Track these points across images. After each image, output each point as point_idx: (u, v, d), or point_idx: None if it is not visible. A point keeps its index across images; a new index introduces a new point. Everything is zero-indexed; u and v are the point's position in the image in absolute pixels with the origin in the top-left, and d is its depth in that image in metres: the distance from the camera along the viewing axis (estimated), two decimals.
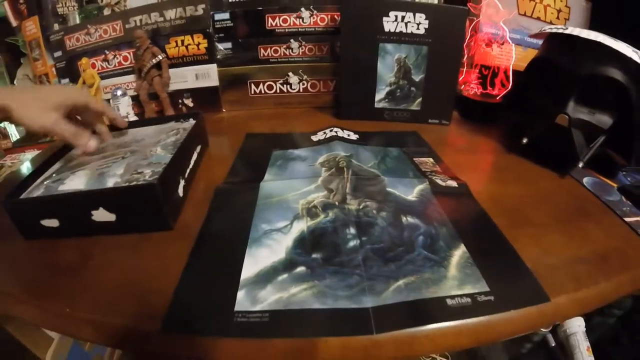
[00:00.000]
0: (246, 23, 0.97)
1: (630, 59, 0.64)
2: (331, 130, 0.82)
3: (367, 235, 0.52)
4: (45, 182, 0.57)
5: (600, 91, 0.68)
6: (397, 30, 0.87)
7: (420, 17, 0.85)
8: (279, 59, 0.99)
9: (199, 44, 0.96)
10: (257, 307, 0.40)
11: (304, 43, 0.98)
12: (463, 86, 1.01)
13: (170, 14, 0.95)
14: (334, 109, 1.00)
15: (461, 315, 0.41)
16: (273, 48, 0.98)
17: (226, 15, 0.95)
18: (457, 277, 0.46)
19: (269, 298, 0.41)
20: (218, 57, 0.98)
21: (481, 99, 0.97)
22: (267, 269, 0.46)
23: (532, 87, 0.79)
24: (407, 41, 0.88)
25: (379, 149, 0.77)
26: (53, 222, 0.51)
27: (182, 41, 0.96)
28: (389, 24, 0.86)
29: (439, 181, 0.65)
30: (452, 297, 0.43)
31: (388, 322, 0.40)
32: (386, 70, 0.91)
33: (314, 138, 0.81)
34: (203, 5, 0.94)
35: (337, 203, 0.58)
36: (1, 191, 0.62)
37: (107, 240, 0.52)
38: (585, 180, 0.71)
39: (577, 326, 0.94)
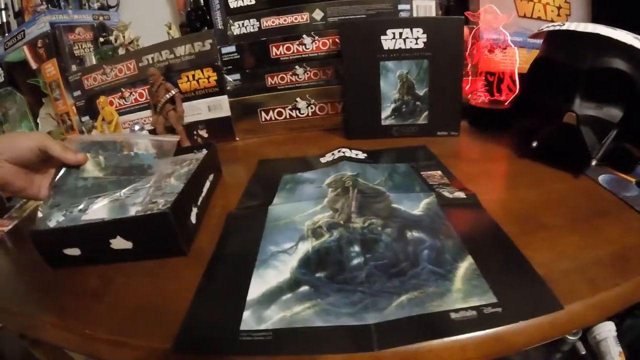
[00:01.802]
0: (252, 54, 1.00)
1: (632, 46, 0.62)
2: (339, 151, 0.83)
3: (372, 252, 0.52)
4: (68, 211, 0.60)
5: (605, 84, 0.67)
6: (397, 47, 0.88)
7: (418, 31, 0.86)
8: (286, 86, 1.02)
9: (209, 77, 1.00)
10: (262, 326, 0.41)
11: (308, 69, 1.00)
12: (470, 95, 1.01)
13: (180, 50, 1.00)
14: (343, 130, 1.01)
15: (466, 329, 0.40)
16: (279, 76, 1.01)
17: (232, 49, 0.99)
18: (462, 289, 0.45)
19: (273, 317, 0.42)
20: (228, 88, 1.01)
21: (489, 107, 0.97)
22: (272, 289, 0.47)
23: (537, 89, 0.79)
24: (407, 57, 0.89)
25: (386, 166, 0.78)
26: (75, 251, 0.55)
27: (193, 75, 1.00)
28: (388, 42, 0.87)
29: (446, 193, 0.65)
30: (457, 310, 0.42)
31: (390, 338, 0.40)
32: (389, 87, 0.91)
33: (323, 160, 0.82)
34: (210, 41, 0.98)
35: (342, 222, 0.58)
36: (28, 224, 0.66)
37: (127, 266, 0.55)
38: (601, 178, 0.69)
39: (607, 331, 0.89)
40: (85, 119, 1.08)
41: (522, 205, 0.63)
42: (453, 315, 0.42)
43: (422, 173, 0.74)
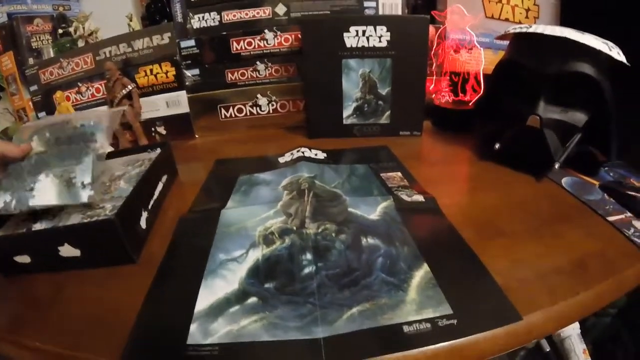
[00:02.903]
0: (212, 49, 0.96)
1: (600, 51, 0.61)
2: (298, 151, 0.80)
3: (324, 260, 0.50)
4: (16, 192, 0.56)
5: (571, 88, 0.66)
6: (359, 45, 0.85)
7: (381, 29, 0.84)
8: (247, 82, 0.98)
9: (167, 72, 0.95)
10: (208, 340, 0.39)
11: (270, 64, 0.97)
12: (434, 95, 0.99)
13: (138, 44, 0.95)
14: (305, 128, 0.99)
15: (419, 342, 0.39)
16: (240, 71, 0.98)
17: (192, 43, 0.95)
18: (416, 300, 0.43)
19: (220, 331, 0.40)
20: (187, 83, 0.97)
21: (453, 107, 0.95)
22: (220, 301, 0.44)
23: (502, 91, 0.77)
24: (370, 55, 0.86)
25: (345, 167, 0.75)
26: (25, 259, 0.51)
27: (151, 70, 0.96)
28: (350, 39, 0.85)
29: (404, 197, 0.63)
30: (410, 323, 0.40)
31: (340, 354, 0.38)
32: (351, 86, 0.89)
33: (282, 160, 0.79)
34: (169, 34, 0.94)
35: (295, 228, 0.56)
36: None
37: (77, 274, 0.52)
38: (564, 181, 0.69)
39: (571, 329, 0.90)
40: (42, 114, 1.02)
41: (482, 210, 0.62)
42: (406, 329, 0.40)
43: (381, 175, 0.71)
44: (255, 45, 0.96)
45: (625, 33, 0.67)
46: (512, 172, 0.72)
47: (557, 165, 0.68)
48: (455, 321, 0.40)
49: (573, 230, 0.56)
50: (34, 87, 1.02)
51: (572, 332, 0.90)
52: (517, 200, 0.64)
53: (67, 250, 0.51)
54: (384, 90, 0.89)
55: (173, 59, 0.95)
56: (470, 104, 0.94)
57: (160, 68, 0.96)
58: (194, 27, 0.96)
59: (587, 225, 0.57)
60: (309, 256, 0.50)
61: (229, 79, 0.98)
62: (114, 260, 0.53)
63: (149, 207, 0.63)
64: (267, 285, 0.46)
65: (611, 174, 0.71)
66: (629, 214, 0.60)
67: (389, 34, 0.84)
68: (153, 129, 0.99)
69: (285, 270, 0.49)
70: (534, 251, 0.52)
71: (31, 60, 1.04)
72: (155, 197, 0.66)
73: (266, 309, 0.43)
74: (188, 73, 0.97)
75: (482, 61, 0.92)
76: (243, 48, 0.96)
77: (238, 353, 0.38)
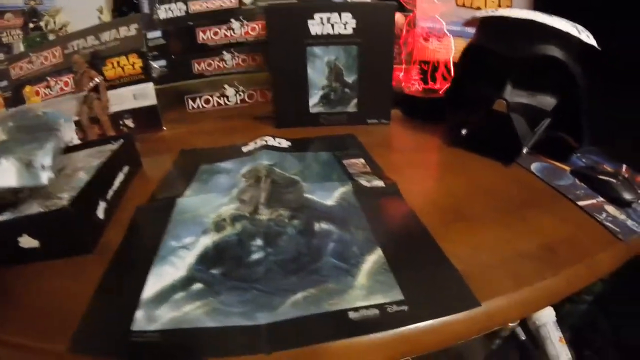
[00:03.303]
0: (178, 39, 0.95)
1: (568, 34, 0.60)
2: (261, 140, 0.79)
3: (274, 246, 0.49)
4: None
5: (539, 72, 0.65)
6: (324, 33, 0.84)
7: (347, 16, 0.83)
8: (214, 73, 0.97)
9: (134, 63, 0.93)
10: (152, 327, 0.38)
11: (237, 54, 0.96)
12: (403, 84, 0.98)
13: (105, 36, 0.93)
14: (274, 119, 0.97)
15: (365, 329, 0.37)
16: (207, 62, 0.96)
17: (158, 34, 0.94)
18: (366, 286, 0.42)
19: (164, 317, 0.39)
20: (154, 75, 0.95)
21: (423, 95, 0.94)
22: (166, 287, 0.43)
23: (469, 77, 0.76)
24: (335, 43, 0.85)
25: (307, 154, 0.74)
26: None
27: (118, 62, 0.93)
28: (315, 26, 0.83)
29: (364, 182, 0.62)
30: (356, 309, 0.39)
31: (282, 340, 0.37)
32: (317, 74, 0.88)
33: (244, 149, 0.78)
34: (136, 25, 0.91)
35: (247, 214, 0.54)
36: None
37: (38, 266, 0.50)
38: (533, 166, 0.68)
39: (546, 316, 0.88)
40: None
41: (445, 195, 0.61)
42: (352, 315, 0.39)
43: (344, 161, 0.70)
44: (221, 35, 0.94)
45: (603, 21, 0.66)
46: (480, 158, 0.72)
47: (525, 150, 0.67)
48: (406, 307, 0.39)
49: (542, 215, 0.55)
50: (3, 83, 0.99)
51: (547, 320, 0.88)
52: (483, 186, 0.63)
53: (27, 241, 0.50)
54: (350, 78, 0.88)
55: (140, 51, 0.93)
56: (440, 92, 0.93)
57: (127, 60, 0.93)
58: (161, 18, 0.94)
59: (557, 210, 0.56)
60: (259, 242, 0.49)
61: (196, 70, 0.97)
62: (72, 250, 0.51)
63: (108, 197, 0.61)
64: (213, 271, 0.45)
65: (583, 160, 0.70)
66: (600, 199, 0.59)
67: (354, 21, 0.83)
68: (121, 122, 0.97)
69: (234, 256, 0.48)
70: (499, 236, 0.51)
71: (1, 56, 1.02)
72: (115, 187, 0.65)
73: (210, 294, 0.42)
74: (155, 64, 0.95)
75: (452, 49, 0.91)
76: (209, 38, 0.94)
77: (179, 339, 0.37)
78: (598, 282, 0.86)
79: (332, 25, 0.83)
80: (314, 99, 0.90)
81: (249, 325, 0.38)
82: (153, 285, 0.44)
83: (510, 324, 0.94)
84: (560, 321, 0.89)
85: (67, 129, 0.82)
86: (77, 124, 0.91)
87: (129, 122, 0.97)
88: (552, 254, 0.47)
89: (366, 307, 0.39)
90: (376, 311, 0.39)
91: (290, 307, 0.40)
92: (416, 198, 0.58)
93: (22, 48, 1.05)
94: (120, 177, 0.68)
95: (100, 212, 0.58)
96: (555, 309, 0.87)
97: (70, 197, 0.56)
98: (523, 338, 0.96)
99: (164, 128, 0.99)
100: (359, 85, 0.88)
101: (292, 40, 0.85)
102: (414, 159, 0.77)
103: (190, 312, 0.40)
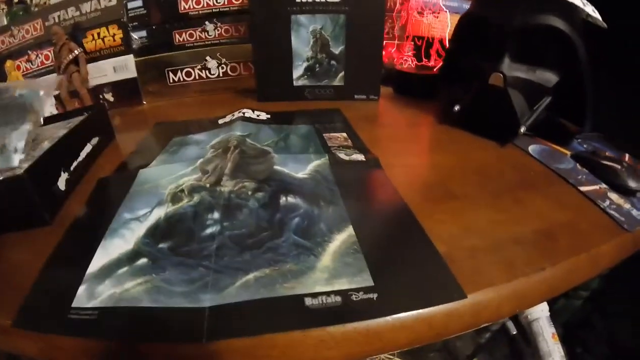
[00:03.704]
0: (159, 8, 0.89)
1: (572, 4, 0.55)
2: (239, 112, 0.74)
3: (231, 220, 0.43)
4: None
5: (539, 44, 0.59)
6: (310, 0, 0.78)
7: None
8: (195, 44, 0.92)
9: (114, 35, 0.89)
10: (91, 304, 0.34)
11: (219, 25, 0.91)
12: (395, 60, 0.92)
13: (86, 7, 0.89)
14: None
15: (322, 320, 0.32)
16: (188, 32, 0.91)
17: (139, 3, 0.88)
18: (330, 268, 0.36)
19: (104, 294, 0.35)
20: (134, 47, 0.91)
21: (416, 72, 0.88)
22: (112, 262, 0.39)
23: (464, 50, 0.70)
24: (321, 10, 0.79)
25: (286, 127, 0.69)
26: None
27: (99, 34, 0.90)
28: None
29: (342, 156, 0.57)
30: (315, 295, 0.34)
31: (224, 327, 0.32)
32: (302, 44, 0.82)
33: (221, 122, 0.73)
34: None
35: (208, 185, 0.50)
36: None
37: None
38: (531, 148, 0.62)
39: (540, 311, 0.82)
40: None
41: (432, 172, 0.56)
42: (308, 302, 0.33)
43: (324, 135, 0.65)
44: (204, 4, 0.89)
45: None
46: (474, 136, 0.66)
47: (522, 129, 0.62)
48: (374, 295, 0.34)
49: (539, 198, 0.49)
50: None
51: (540, 315, 0.83)
52: (475, 164, 0.58)
53: None
54: (336, 49, 0.83)
55: (120, 21, 0.89)
56: (434, 70, 0.87)
57: (108, 31, 0.90)
58: None
59: (556, 194, 0.50)
60: (216, 215, 0.44)
61: (177, 41, 0.91)
62: (29, 221, 0.48)
63: (71, 168, 0.57)
64: (161, 246, 0.41)
65: (585, 146, 0.64)
66: (604, 186, 0.53)
67: None
68: (101, 95, 0.94)
69: (186, 230, 0.43)
70: (491, 217, 0.45)
71: None
72: (80, 159, 0.61)
73: (154, 271, 0.38)
74: (135, 35, 0.90)
75: (448, 25, 0.85)
76: (191, 7, 0.89)
77: (115, 319, 0.33)
78: (595, 278, 0.80)
79: None
80: (298, 71, 0.85)
81: (191, 307, 0.33)
82: (100, 259, 0.39)
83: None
84: (554, 316, 0.83)
85: (45, 105, 0.79)
86: (57, 97, 0.88)
87: (109, 96, 0.94)
88: (551, 241, 0.41)
89: (327, 294, 0.34)
90: (338, 298, 0.33)
91: (239, 289, 0.35)
92: (399, 174, 0.53)
93: (5, 22, 1.01)
94: (87, 149, 0.64)
95: (62, 183, 0.54)
96: (548, 304, 0.81)
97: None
98: (514, 332, 0.91)
99: (144, 102, 0.95)
100: (346, 57, 0.83)
101: (276, 7, 0.79)
102: (401, 135, 0.72)
103: (130, 290, 0.35)
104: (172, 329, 0.32)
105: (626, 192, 0.53)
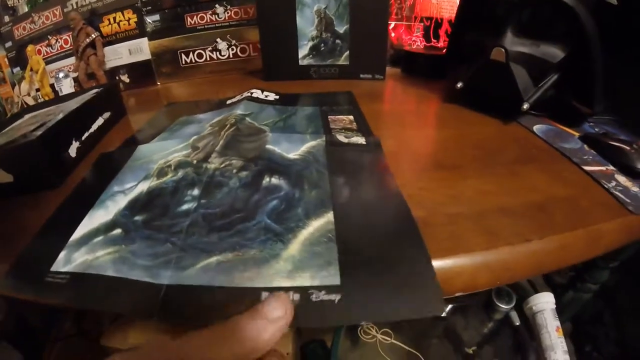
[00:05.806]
0: None
1: None
2: (248, 92, 0.71)
3: (208, 197, 0.41)
4: None
5: (544, 19, 0.55)
6: None
7: None
8: (206, 26, 0.91)
9: (129, 19, 0.89)
10: (65, 268, 0.34)
11: (229, 7, 0.90)
12: (404, 41, 0.89)
13: None
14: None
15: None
16: (199, 15, 0.90)
17: None
18: (294, 258, 0.31)
19: (77, 260, 0.34)
20: (148, 30, 0.91)
21: (425, 52, 0.85)
22: (91, 230, 0.38)
23: (468, 26, 0.67)
24: None
25: (291, 108, 0.65)
26: None
27: (115, 18, 0.90)
28: None
29: (341, 138, 0.52)
30: (272, 290, 0.29)
31: (177, 310, 0.29)
32: (306, 23, 0.79)
33: (229, 102, 0.70)
34: None
35: (194, 162, 0.47)
36: None
37: (11, 201, 0.48)
38: (536, 127, 0.58)
39: (545, 303, 0.76)
40: (17, 70, 1.00)
41: (423, 144, 0.53)
42: (264, 297, 0.29)
43: (329, 117, 0.61)
44: None
45: None
46: (477, 113, 0.62)
47: (526, 106, 0.57)
48: (337, 297, 0.28)
49: (537, 172, 0.45)
50: (8, 44, 0.99)
51: (545, 307, 0.77)
52: (474, 138, 0.54)
53: (2, 176, 0.48)
54: (341, 28, 0.79)
55: (134, 6, 0.89)
56: (443, 50, 0.83)
57: (123, 16, 0.90)
58: None
59: (557, 170, 0.46)
60: (195, 192, 0.42)
61: (189, 24, 0.91)
62: (41, 184, 0.49)
63: (82, 138, 0.59)
64: (136, 218, 0.39)
65: (596, 129, 0.60)
66: (611, 167, 0.49)
67: None
68: (117, 77, 0.94)
69: (163, 204, 0.41)
70: (480, 188, 0.41)
71: (7, 18, 1.00)
72: (91, 130, 0.62)
73: (124, 242, 0.36)
74: (148, 19, 0.90)
75: (457, 4, 0.81)
76: None
77: (82, 285, 0.33)
78: (606, 270, 0.75)
79: None
80: (303, 50, 0.82)
81: (149, 282, 0.31)
82: (83, 227, 0.39)
83: (503, 307, 0.82)
84: (562, 311, 0.78)
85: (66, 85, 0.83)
86: (76, 79, 0.90)
87: (124, 78, 0.94)
88: (544, 214, 0.37)
89: (285, 290, 0.29)
90: (297, 297, 0.28)
91: (199, 271, 0.32)
92: (390, 145, 0.50)
93: (26, 9, 1.03)
94: (99, 122, 0.65)
95: (72, 151, 0.55)
96: (556, 297, 0.77)
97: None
98: (517, 323, 0.86)
99: (158, 83, 0.95)
100: (351, 36, 0.79)
101: None
102: (401, 111, 0.68)
103: (99, 258, 0.34)
104: (126, 302, 0.31)
105: (635, 175, 0.48)
